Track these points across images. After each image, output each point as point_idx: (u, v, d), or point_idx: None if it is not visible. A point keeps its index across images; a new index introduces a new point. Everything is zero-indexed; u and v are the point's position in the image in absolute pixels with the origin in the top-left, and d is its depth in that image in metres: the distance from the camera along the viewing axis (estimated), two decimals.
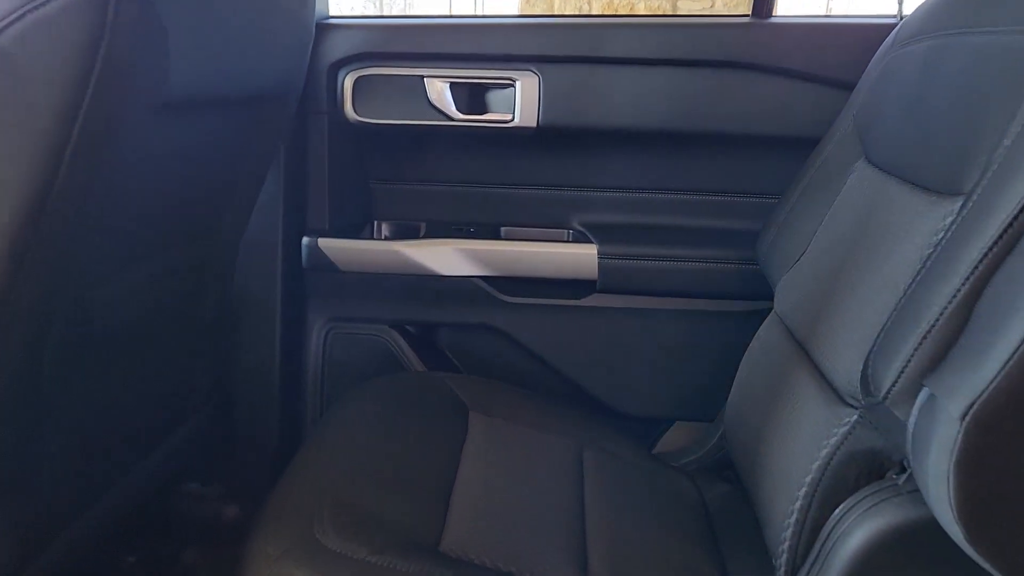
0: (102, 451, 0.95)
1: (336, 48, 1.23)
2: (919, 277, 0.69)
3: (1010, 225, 0.60)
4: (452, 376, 1.24)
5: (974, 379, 0.56)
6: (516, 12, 3.81)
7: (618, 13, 3.78)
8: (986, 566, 0.59)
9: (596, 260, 1.24)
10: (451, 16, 1.52)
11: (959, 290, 0.62)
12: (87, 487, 0.93)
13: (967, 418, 0.55)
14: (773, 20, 1.21)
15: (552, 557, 0.84)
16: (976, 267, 0.61)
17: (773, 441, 0.87)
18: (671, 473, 1.12)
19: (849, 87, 1.04)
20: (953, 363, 0.61)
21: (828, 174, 0.99)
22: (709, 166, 1.27)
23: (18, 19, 0.62)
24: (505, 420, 1.11)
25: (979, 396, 0.55)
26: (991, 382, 0.55)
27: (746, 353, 1.06)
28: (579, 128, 1.24)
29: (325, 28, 1.24)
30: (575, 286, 1.27)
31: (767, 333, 1.03)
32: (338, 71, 1.24)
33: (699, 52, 1.19)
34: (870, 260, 0.80)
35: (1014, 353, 0.54)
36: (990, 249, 0.61)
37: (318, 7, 1.23)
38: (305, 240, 1.28)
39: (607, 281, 1.25)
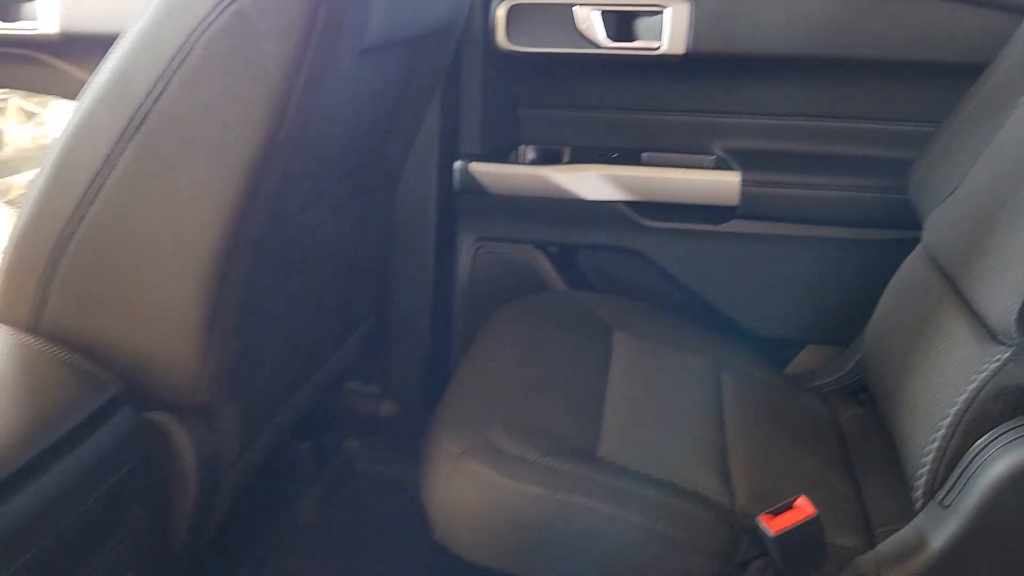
0: (301, 352, 1.08)
1: None
2: None
3: None
4: (594, 296, 1.32)
5: None
6: None
7: None
8: None
9: (738, 186, 1.27)
10: None
11: None
12: (290, 383, 1.07)
13: None
14: None
15: (697, 467, 0.92)
16: None
17: (916, 372, 0.91)
18: (805, 395, 1.18)
19: (1021, 12, 1.01)
20: None
21: (992, 105, 0.98)
22: (860, 93, 1.26)
23: (217, 18, 0.70)
24: (646, 339, 1.18)
25: None
26: None
27: (890, 283, 1.08)
28: (727, 55, 1.25)
29: None
30: (715, 211, 1.31)
31: (913, 265, 1.05)
32: (491, 2, 1.29)
33: None
34: None
35: None
36: None
37: None
38: (457, 164, 1.36)
39: (748, 207, 1.28)
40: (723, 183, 1.29)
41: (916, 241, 1.08)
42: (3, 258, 0.82)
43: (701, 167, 1.34)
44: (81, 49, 1.44)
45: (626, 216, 1.34)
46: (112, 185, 0.77)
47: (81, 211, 0.78)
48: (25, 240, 0.80)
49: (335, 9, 0.74)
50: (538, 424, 0.92)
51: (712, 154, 1.35)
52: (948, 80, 1.14)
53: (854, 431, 1.09)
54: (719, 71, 1.30)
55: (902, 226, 1.18)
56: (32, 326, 0.81)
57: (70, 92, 1.43)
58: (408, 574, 1.21)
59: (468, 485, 0.86)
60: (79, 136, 0.77)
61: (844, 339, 1.24)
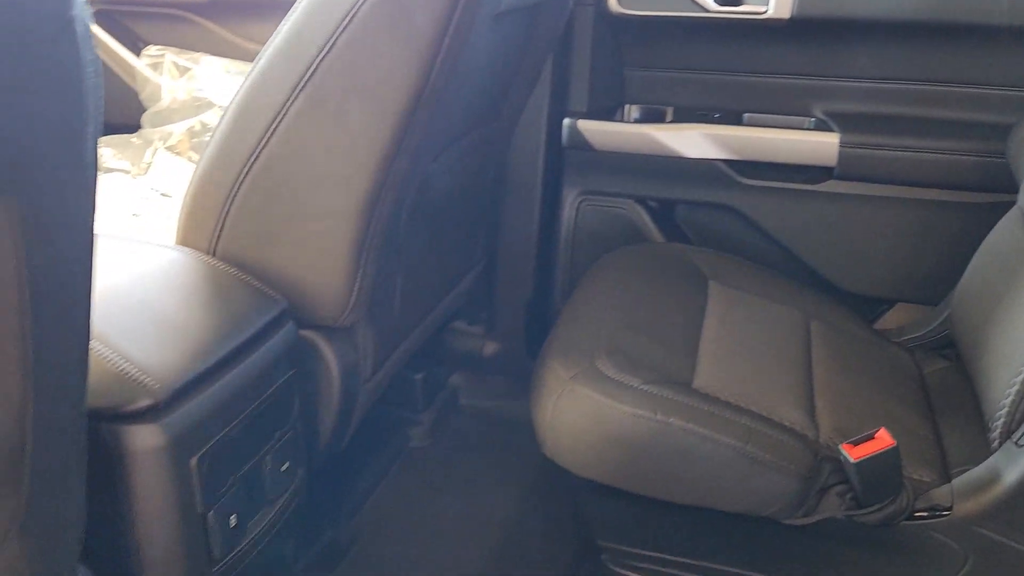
0: (424, 288, 1.21)
1: None
2: None
3: None
4: (691, 248, 1.40)
5: None
6: None
7: None
8: None
9: (836, 148, 1.33)
10: None
11: None
12: (415, 314, 1.20)
13: None
14: None
15: (784, 402, 1.01)
16: None
17: (1003, 322, 0.97)
18: (892, 347, 1.24)
19: None
20: None
21: None
22: (961, 57, 1.29)
23: None
24: (740, 290, 1.26)
25: None
26: None
27: (984, 243, 1.13)
28: (831, 19, 1.30)
29: None
30: (812, 171, 1.37)
31: (1008, 226, 1.10)
32: None
33: None
34: None
35: None
36: None
37: None
38: (566, 121, 1.45)
39: (845, 168, 1.33)
40: (822, 144, 1.34)
41: (1011, 204, 1.12)
42: (188, 192, 0.96)
43: (803, 130, 1.40)
44: (226, 11, 1.59)
45: (725, 174, 1.41)
46: (283, 130, 0.90)
47: (256, 153, 0.91)
48: (209, 177, 0.94)
49: None
50: (639, 357, 1.02)
51: (812, 116, 1.41)
52: None
53: (937, 382, 1.15)
54: (822, 35, 1.35)
55: (998, 189, 1.21)
56: (211, 251, 0.95)
57: (217, 50, 1.59)
58: (510, 490, 1.33)
59: (576, 406, 0.97)
60: (258, 87, 0.90)
61: (934, 298, 1.29)
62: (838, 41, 1.35)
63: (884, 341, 1.24)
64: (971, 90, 1.31)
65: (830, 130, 1.35)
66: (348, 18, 0.84)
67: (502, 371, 1.59)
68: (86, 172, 0.50)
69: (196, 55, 1.55)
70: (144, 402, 0.72)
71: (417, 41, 0.84)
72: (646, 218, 1.49)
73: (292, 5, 0.89)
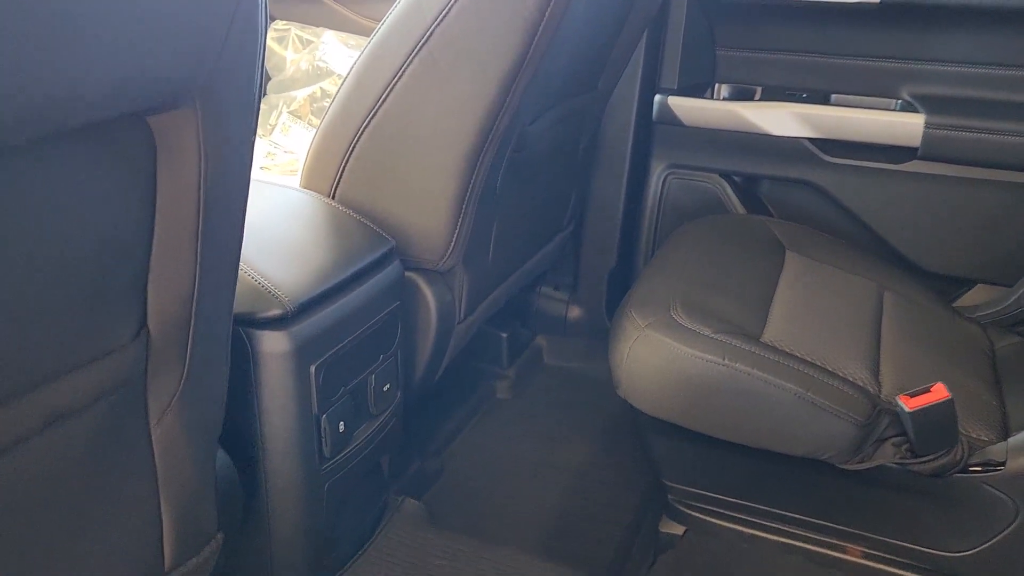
0: (516, 243, 1.32)
1: None
2: None
3: None
4: (772, 220, 1.46)
5: None
6: None
7: None
8: None
9: (922, 129, 1.36)
10: None
11: None
12: (505, 266, 1.31)
13: None
14: None
15: (851, 361, 1.07)
16: None
17: None
18: (964, 321, 1.27)
19: None
20: None
21: None
22: None
23: None
24: (817, 260, 1.32)
25: None
26: None
27: None
28: (919, 4, 1.33)
29: None
30: (896, 151, 1.41)
31: None
32: None
33: None
34: None
35: None
36: None
37: None
38: (657, 97, 1.53)
39: (929, 149, 1.37)
40: (907, 125, 1.38)
41: None
42: (312, 143, 1.10)
43: (888, 110, 1.43)
44: None
45: (809, 152, 1.46)
46: (398, 91, 1.01)
47: (374, 110, 1.03)
48: (332, 130, 1.07)
49: None
50: (712, 310, 1.10)
51: (899, 98, 1.44)
52: None
53: (1007, 356, 1.18)
54: (911, 19, 1.38)
55: None
56: (331, 194, 1.08)
57: (337, 25, 1.73)
58: (585, 440, 1.43)
59: (650, 350, 1.05)
60: (377, 53, 1.02)
61: (1013, 279, 1.31)
62: (926, 26, 1.38)
63: (957, 316, 1.28)
64: None
65: (915, 111, 1.38)
66: (450, 5, 0.95)
67: (584, 335, 1.68)
68: (252, 98, 0.62)
69: (318, 30, 1.69)
70: (275, 312, 0.85)
71: (522, 11, 0.94)
72: (730, 192, 1.55)
73: None
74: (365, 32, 1.67)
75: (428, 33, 0.97)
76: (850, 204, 1.47)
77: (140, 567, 0.74)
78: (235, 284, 0.74)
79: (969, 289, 1.44)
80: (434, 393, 1.34)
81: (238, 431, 0.89)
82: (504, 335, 1.60)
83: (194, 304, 0.67)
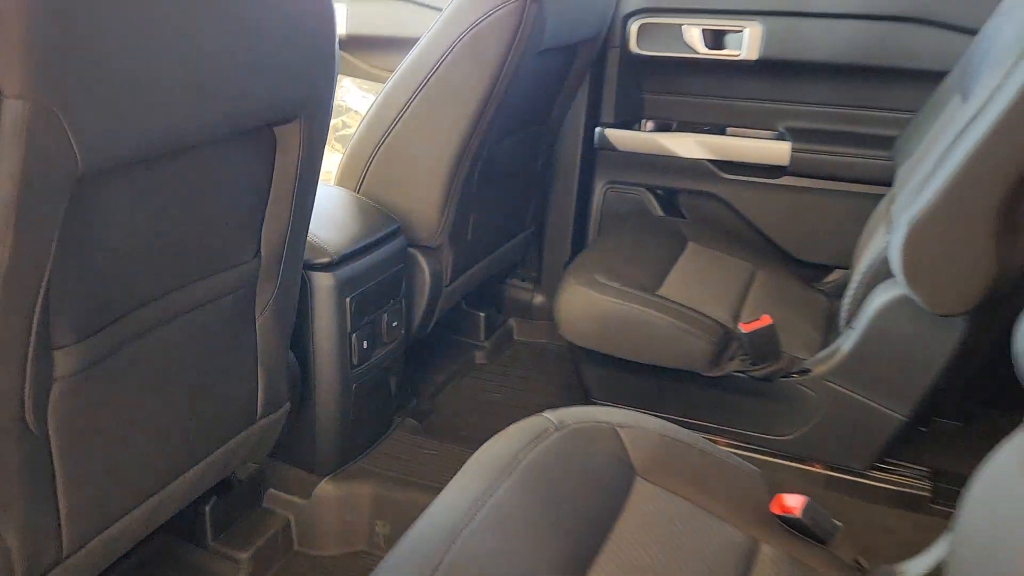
0: (488, 232, 1.78)
1: (628, 4, 1.92)
2: None
3: None
4: (683, 221, 1.94)
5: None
6: None
7: None
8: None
9: (789, 152, 1.84)
10: None
11: None
12: (479, 249, 1.77)
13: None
14: None
15: (717, 307, 1.53)
16: None
17: (858, 259, 1.48)
18: (814, 292, 1.74)
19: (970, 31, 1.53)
20: None
21: (938, 102, 1.52)
22: (869, 89, 1.81)
23: (490, 14, 1.39)
24: (710, 248, 1.79)
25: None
26: None
27: (870, 217, 1.63)
28: (785, 60, 1.83)
29: None
30: (773, 170, 1.89)
31: (880, 205, 1.60)
32: (628, 20, 1.93)
33: (879, 9, 1.72)
34: None
35: None
36: None
37: None
38: (598, 129, 2.01)
39: (795, 168, 1.85)
40: (779, 149, 1.86)
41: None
42: (344, 157, 1.57)
43: (766, 139, 1.92)
44: (361, 47, 2.22)
45: (711, 170, 1.95)
46: (404, 120, 1.49)
47: (387, 133, 1.50)
48: (357, 146, 1.54)
49: (528, 28, 1.42)
50: (623, 273, 1.57)
51: (775, 130, 1.93)
52: (926, 82, 1.67)
53: (837, 310, 1.65)
54: (782, 72, 1.88)
55: (884, 183, 1.70)
56: (357, 190, 1.55)
57: (353, 73, 2.21)
58: (546, 392, 1.88)
59: (578, 298, 1.52)
60: (391, 93, 1.50)
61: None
62: (793, 76, 1.88)
63: (809, 288, 1.75)
64: (874, 112, 1.81)
65: (785, 140, 1.87)
66: (450, 50, 1.43)
67: (547, 317, 2.14)
68: (329, 116, 1.09)
69: (340, 77, 2.18)
70: (325, 259, 1.31)
71: (487, 67, 1.42)
72: (654, 202, 2.03)
73: (411, 45, 1.49)
74: (375, 79, 2.15)
75: (426, 81, 1.45)
76: (741, 209, 1.95)
77: (244, 411, 1.19)
78: (307, 232, 1.20)
79: (830, 273, 1.91)
80: (428, 357, 1.79)
81: (300, 339, 1.34)
82: (482, 315, 2.06)
83: (287, 240, 1.13)
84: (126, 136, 0.78)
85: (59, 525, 0.90)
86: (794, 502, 0.98)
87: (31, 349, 0.79)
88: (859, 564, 0.96)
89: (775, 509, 0.98)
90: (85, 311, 0.86)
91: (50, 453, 0.87)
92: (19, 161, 0.69)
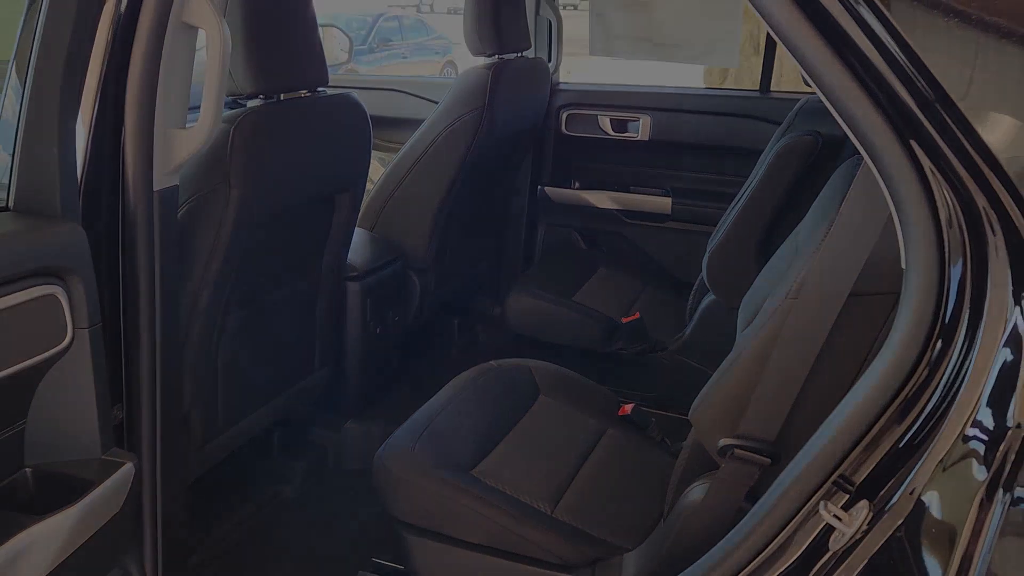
0: (464, 257, 2.56)
1: (559, 99, 2.72)
2: None
3: None
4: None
5: None
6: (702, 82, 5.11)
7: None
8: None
9: (670, 204, 2.64)
10: (617, 85, 2.93)
11: None
12: (457, 269, 2.54)
13: None
14: (771, 94, 2.51)
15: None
16: None
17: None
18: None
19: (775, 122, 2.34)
20: None
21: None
22: (725, 162, 2.62)
23: (462, 117, 2.18)
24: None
25: None
26: None
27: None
28: (668, 142, 2.64)
29: (555, 89, 2.73)
30: (660, 216, 2.69)
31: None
32: (559, 111, 2.73)
33: (725, 109, 2.53)
34: None
35: None
36: None
37: (552, 77, 2.73)
38: (539, 187, 2.80)
39: (675, 215, 2.65)
40: (664, 202, 2.66)
41: None
42: (364, 207, 2.34)
43: (656, 195, 2.72)
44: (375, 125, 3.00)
45: (619, 217, 2.74)
46: (407, 182, 2.26)
47: (394, 192, 2.28)
48: (374, 201, 2.31)
49: (486, 125, 2.20)
50: (552, 287, 2.34)
51: (665, 189, 2.73)
52: (754, 157, 2.47)
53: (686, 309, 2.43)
54: (664, 148, 2.68)
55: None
56: (372, 229, 2.32)
57: None
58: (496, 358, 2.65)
59: (522, 303, 2.29)
60: (398, 162, 2.27)
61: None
62: (675, 152, 2.69)
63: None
64: (725, 176, 2.62)
65: (668, 196, 2.67)
66: (433, 143, 2.21)
67: (502, 325, 2.91)
68: (365, 180, 1.87)
69: None
70: (355, 273, 2.07)
71: (460, 151, 2.20)
72: (580, 240, 2.82)
73: (405, 123, 2.27)
74: (385, 150, 2.94)
75: (420, 158, 2.23)
76: (640, 244, 2.74)
77: (306, 363, 1.95)
78: (346, 258, 1.96)
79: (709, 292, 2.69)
80: (421, 352, 2.55)
81: (338, 324, 2.09)
82: (456, 321, 2.82)
83: (335, 264, 1.90)
84: (270, 204, 1.56)
85: (217, 410, 1.65)
86: (628, 408, 1.75)
87: (222, 311, 1.55)
88: (665, 441, 1.73)
89: (619, 413, 1.75)
90: (241, 291, 1.62)
91: (216, 368, 1.62)
92: (231, 219, 1.46)
